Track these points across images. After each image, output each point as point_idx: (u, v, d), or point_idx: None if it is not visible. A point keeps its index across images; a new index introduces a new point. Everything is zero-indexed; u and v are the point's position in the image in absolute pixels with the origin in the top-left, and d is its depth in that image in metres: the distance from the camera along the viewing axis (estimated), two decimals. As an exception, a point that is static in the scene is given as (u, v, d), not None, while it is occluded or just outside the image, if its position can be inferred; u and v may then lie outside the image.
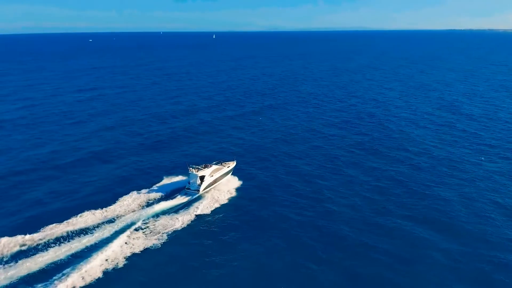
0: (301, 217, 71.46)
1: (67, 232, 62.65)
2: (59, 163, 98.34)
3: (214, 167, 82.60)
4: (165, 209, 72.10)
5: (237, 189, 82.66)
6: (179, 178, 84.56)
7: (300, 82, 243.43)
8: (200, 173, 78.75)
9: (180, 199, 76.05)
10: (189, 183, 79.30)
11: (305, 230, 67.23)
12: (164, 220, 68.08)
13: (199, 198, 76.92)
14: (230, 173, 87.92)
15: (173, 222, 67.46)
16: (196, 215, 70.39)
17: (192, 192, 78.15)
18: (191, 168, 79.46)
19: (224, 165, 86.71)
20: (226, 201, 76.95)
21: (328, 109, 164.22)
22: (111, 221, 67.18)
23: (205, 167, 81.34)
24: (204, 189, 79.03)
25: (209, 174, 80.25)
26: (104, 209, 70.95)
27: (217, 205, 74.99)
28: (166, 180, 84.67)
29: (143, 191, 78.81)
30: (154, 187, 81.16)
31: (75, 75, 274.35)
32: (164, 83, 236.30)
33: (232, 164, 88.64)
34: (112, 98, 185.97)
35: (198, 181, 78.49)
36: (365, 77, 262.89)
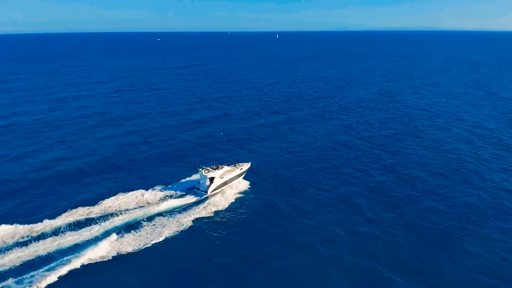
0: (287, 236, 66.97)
1: (72, 222, 66.07)
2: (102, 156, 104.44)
3: (225, 168, 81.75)
4: (170, 208, 72.77)
5: (243, 195, 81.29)
6: (194, 177, 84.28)
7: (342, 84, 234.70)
8: (210, 175, 78.53)
9: (188, 199, 76.55)
10: (199, 183, 79.89)
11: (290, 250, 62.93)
12: (164, 219, 69.03)
13: (207, 199, 77.15)
14: (243, 176, 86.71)
15: (172, 222, 68.10)
16: (196, 218, 70.57)
17: (200, 192, 78.49)
18: (200, 169, 79.58)
19: (237, 166, 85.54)
20: (226, 206, 75.93)
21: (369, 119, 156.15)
22: (115, 214, 69.00)
23: (216, 168, 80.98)
24: (212, 191, 78.80)
25: (219, 176, 79.81)
26: (110, 201, 73.57)
27: (218, 208, 74.48)
28: (183, 179, 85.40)
29: (157, 187, 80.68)
30: (168, 185, 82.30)
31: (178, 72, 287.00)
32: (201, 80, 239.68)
33: (246, 166, 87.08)
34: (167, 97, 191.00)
35: (207, 182, 78.47)
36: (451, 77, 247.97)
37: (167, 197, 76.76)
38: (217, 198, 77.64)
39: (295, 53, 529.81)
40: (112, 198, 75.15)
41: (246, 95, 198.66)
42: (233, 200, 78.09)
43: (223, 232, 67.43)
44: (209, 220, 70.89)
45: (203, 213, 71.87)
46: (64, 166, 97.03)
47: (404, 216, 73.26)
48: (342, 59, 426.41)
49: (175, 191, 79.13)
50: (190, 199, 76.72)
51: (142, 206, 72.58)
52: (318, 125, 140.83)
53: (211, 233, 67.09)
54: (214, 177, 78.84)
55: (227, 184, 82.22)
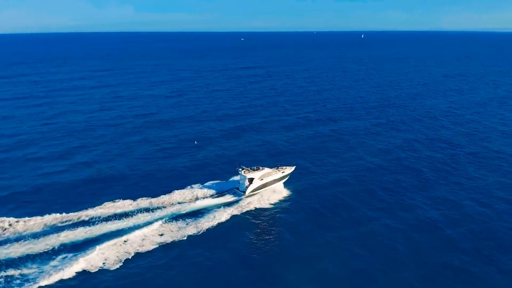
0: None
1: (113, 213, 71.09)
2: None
3: (266, 170, 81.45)
4: (208, 205, 75.20)
5: (282, 198, 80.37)
6: (237, 178, 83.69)
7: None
8: (249, 175, 79.06)
9: (226, 198, 78.28)
10: (239, 183, 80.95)
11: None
12: (201, 215, 71.49)
13: (244, 199, 77.93)
14: (285, 179, 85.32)
15: (207, 219, 70.31)
16: (230, 217, 71.53)
17: (239, 193, 79.59)
18: (240, 169, 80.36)
19: (280, 169, 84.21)
20: (261, 208, 75.93)
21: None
22: (158, 208, 73.34)
23: (257, 169, 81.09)
24: (251, 192, 79.43)
25: (259, 177, 79.93)
26: (155, 198, 77.00)
27: (252, 209, 74.87)
28: (229, 177, 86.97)
29: (199, 186, 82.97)
30: (210, 183, 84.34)
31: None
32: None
33: (289, 170, 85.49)
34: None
35: (247, 183, 79.15)
36: None
37: (207, 195, 78.95)
38: (255, 199, 78.32)
39: (380, 53, 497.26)
40: (159, 193, 78.67)
41: (310, 99, 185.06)
42: (270, 203, 77.94)
43: (250, 234, 67.79)
44: (242, 220, 71.63)
45: (236, 212, 73.04)
46: (117, 163, 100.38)
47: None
48: (431, 61, 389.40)
49: (216, 190, 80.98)
50: (228, 198, 78.37)
51: (183, 202, 75.84)
52: (380, 137, 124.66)
53: (241, 232, 67.91)
54: (253, 178, 79.23)
55: (267, 186, 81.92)
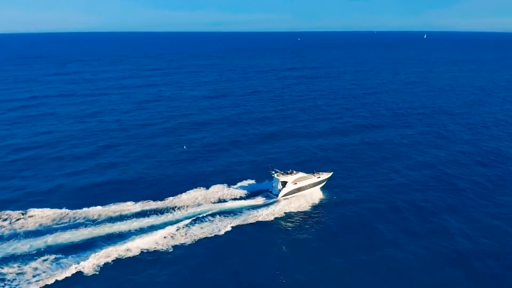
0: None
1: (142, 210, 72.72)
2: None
3: (300, 175, 79.74)
4: (239, 206, 75.09)
5: (315, 205, 77.78)
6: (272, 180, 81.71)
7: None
8: (282, 179, 77.96)
9: (258, 200, 77.68)
10: (272, 186, 79.73)
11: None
12: (231, 216, 71.45)
13: (276, 203, 76.69)
14: (320, 185, 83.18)
15: (236, 220, 69.99)
16: (259, 220, 70.75)
17: (272, 196, 78.55)
18: (273, 172, 79.39)
19: (315, 174, 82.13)
20: (293, 213, 74.14)
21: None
22: (188, 206, 74.28)
23: (291, 173, 79.51)
24: (283, 196, 78.11)
25: (292, 181, 78.48)
26: (187, 193, 79.10)
27: (283, 214, 73.26)
28: (263, 179, 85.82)
29: (229, 186, 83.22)
30: (242, 184, 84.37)
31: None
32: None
33: (325, 175, 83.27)
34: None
35: (279, 186, 78.24)
36: None
37: (239, 196, 79.37)
38: (287, 203, 76.70)
39: (444, 55, 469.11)
40: (190, 191, 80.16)
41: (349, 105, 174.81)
42: (302, 209, 75.92)
43: (279, 239, 66.39)
44: (271, 223, 70.45)
45: (265, 215, 72.04)
46: (148, 159, 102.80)
47: None
48: (496, 64, 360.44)
49: (248, 191, 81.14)
50: (260, 200, 77.78)
51: (215, 202, 76.52)
52: (422, 148, 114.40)
53: (269, 236, 66.91)
54: (286, 182, 77.94)
55: (301, 191, 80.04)
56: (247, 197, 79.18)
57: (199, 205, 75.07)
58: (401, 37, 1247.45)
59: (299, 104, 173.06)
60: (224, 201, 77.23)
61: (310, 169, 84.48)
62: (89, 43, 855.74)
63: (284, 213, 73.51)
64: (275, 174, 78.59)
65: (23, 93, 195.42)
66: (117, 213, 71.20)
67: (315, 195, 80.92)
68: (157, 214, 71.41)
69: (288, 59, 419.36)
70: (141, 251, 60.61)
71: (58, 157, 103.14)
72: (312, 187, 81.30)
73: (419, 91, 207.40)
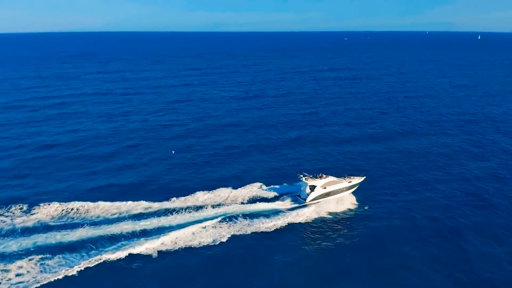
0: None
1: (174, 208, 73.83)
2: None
3: (329, 179, 77.01)
4: (265, 209, 73.79)
5: (344, 211, 75.02)
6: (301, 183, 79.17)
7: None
8: (311, 183, 75.59)
9: (285, 204, 76.16)
10: (300, 190, 77.89)
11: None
12: (256, 218, 70.45)
13: (304, 207, 74.58)
14: (351, 190, 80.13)
15: (260, 223, 69.01)
16: (287, 224, 69.10)
17: (300, 200, 76.45)
18: (301, 175, 76.55)
19: (346, 179, 79.17)
20: (319, 219, 71.74)
21: None
22: (216, 206, 74.38)
23: (320, 177, 76.77)
24: (311, 200, 75.73)
25: (322, 186, 75.96)
26: (213, 193, 79.28)
27: (309, 220, 71.01)
28: (292, 182, 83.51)
29: (257, 187, 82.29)
30: (270, 187, 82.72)
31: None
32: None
33: (357, 180, 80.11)
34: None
35: (308, 190, 76.02)
36: None
37: (266, 198, 78.33)
38: (315, 208, 74.45)
39: (498, 57, 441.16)
40: (223, 189, 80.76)
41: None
42: (330, 215, 73.35)
43: (303, 246, 64.19)
44: (295, 229, 68.48)
45: (291, 219, 70.29)
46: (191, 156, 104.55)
47: None
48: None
49: (276, 194, 79.78)
50: (287, 204, 76.17)
51: (242, 203, 75.99)
52: (465, 160, 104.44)
53: (292, 242, 64.94)
54: (315, 186, 75.60)
55: (331, 196, 77.51)
56: (275, 199, 77.97)
57: (224, 205, 74.67)
58: (454, 38, 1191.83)
59: (332, 107, 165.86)
60: (251, 202, 76.34)
61: (341, 173, 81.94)
62: (134, 42, 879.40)
63: (310, 218, 71.34)
64: (304, 178, 75.94)
65: (62, 90, 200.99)
66: (138, 211, 72.21)
67: (345, 201, 78.17)
68: (181, 213, 71.95)
69: (330, 59, 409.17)
70: (176, 245, 62.69)
71: (76, 156, 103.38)
72: (342, 192, 78.41)
73: (465, 96, 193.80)
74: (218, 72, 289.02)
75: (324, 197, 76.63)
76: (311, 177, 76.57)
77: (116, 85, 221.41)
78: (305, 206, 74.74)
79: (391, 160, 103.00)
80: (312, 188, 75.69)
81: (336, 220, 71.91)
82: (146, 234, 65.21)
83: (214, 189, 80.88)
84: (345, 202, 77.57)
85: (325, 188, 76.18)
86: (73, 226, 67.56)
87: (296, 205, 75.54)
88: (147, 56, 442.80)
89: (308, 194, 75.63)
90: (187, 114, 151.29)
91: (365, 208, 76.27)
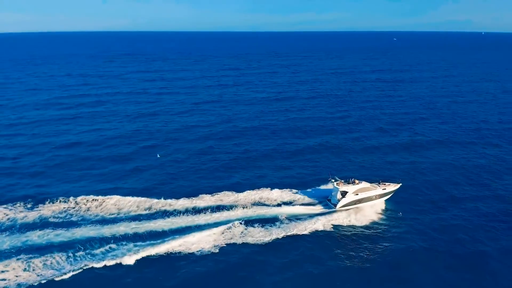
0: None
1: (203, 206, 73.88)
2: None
3: (362, 185, 73.88)
4: (293, 213, 71.72)
5: (377, 220, 71.51)
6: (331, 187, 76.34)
7: None
8: (343, 188, 72.84)
9: (314, 208, 73.80)
10: (331, 195, 75.10)
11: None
12: (281, 222, 68.98)
13: (333, 213, 72.23)
14: (385, 197, 76.41)
15: (285, 227, 67.33)
16: (312, 231, 66.75)
17: (330, 205, 74.06)
18: (332, 180, 74.06)
19: (381, 185, 75.50)
20: (349, 226, 68.79)
21: None
22: (238, 207, 73.47)
23: (352, 182, 73.84)
24: (342, 206, 73.02)
25: (354, 192, 72.96)
26: (242, 194, 78.54)
27: (337, 227, 68.35)
28: (323, 186, 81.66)
29: (292, 190, 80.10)
30: (299, 190, 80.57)
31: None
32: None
33: (392, 187, 76.22)
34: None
35: (339, 196, 73.32)
36: None
37: (294, 201, 76.16)
38: (345, 215, 71.67)
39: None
40: (244, 193, 79.13)
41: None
42: (361, 223, 69.90)
43: (324, 255, 61.38)
44: (322, 235, 66.13)
45: (320, 225, 68.14)
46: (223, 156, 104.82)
47: None
48: None
49: (305, 198, 77.32)
50: (317, 209, 73.93)
51: (269, 205, 74.53)
52: None
53: (316, 250, 62.43)
54: (346, 192, 72.75)
55: (363, 203, 74.21)
56: (304, 203, 75.77)
57: (251, 208, 73.51)
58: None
59: (367, 112, 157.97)
60: (279, 205, 74.82)
61: (375, 179, 78.43)
62: (183, 42, 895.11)
63: (339, 226, 68.82)
64: (335, 183, 73.36)
65: (100, 89, 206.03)
66: (166, 208, 73.13)
67: (378, 208, 74.90)
68: (204, 213, 71.53)
69: (374, 60, 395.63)
70: (197, 248, 61.83)
71: (92, 156, 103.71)
72: (375, 199, 75.12)
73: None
74: (255, 72, 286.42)
75: (355, 204, 73.73)
76: (343, 182, 73.78)
77: (152, 84, 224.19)
78: (334, 211, 72.69)
79: (426, 172, 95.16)
80: (344, 194, 72.87)
81: (364, 229, 68.65)
82: (175, 232, 65.42)
83: (241, 191, 79.75)
84: (377, 209, 74.66)
85: (357, 194, 73.28)
86: (70, 224, 68.08)
87: (325, 210, 73.31)
88: (191, 56, 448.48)
89: (339, 200, 72.97)
90: (214, 116, 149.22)
91: (399, 214, 73.25)
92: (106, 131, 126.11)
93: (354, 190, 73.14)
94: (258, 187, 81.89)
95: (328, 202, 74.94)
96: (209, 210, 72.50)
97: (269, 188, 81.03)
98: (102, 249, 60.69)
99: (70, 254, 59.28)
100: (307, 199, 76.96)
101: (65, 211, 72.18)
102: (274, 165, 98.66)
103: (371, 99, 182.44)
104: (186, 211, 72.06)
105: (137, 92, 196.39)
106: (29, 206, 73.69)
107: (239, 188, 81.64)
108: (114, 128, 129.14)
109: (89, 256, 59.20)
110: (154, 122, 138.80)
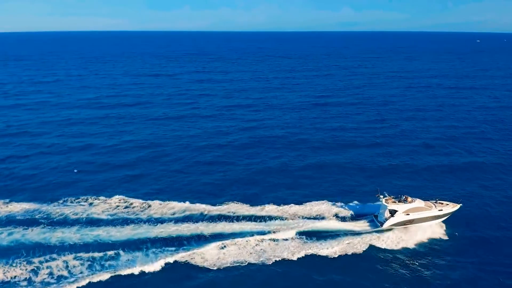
0: None
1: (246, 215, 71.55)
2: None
3: (416, 204, 66.45)
4: (335, 229, 66.47)
5: (430, 246, 63.47)
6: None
7: None
8: (392, 206, 65.86)
9: (358, 225, 67.77)
10: (379, 212, 68.28)
11: None
12: (323, 240, 63.90)
13: (380, 232, 65.75)
14: (442, 219, 68.48)
15: (326, 244, 62.67)
16: (353, 251, 61.20)
17: (376, 223, 67.23)
18: (381, 196, 67.12)
19: (437, 204, 67.86)
20: (398, 250, 61.94)
21: None
22: (278, 218, 70.13)
23: (404, 200, 66.69)
24: (389, 226, 65.84)
25: (404, 211, 65.66)
26: (286, 206, 74.38)
27: (384, 248, 62.01)
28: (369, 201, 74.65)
29: (338, 204, 74.92)
30: (352, 203, 75.22)
31: None
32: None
33: (450, 208, 67.85)
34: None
35: (387, 214, 66.32)
36: None
37: (338, 216, 70.94)
38: (392, 236, 64.87)
39: None
40: (297, 205, 74.85)
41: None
42: (412, 247, 62.96)
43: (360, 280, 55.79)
44: (362, 258, 60.28)
45: (363, 245, 62.23)
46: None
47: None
48: None
49: (350, 212, 71.60)
50: (361, 225, 67.75)
51: (310, 218, 69.85)
52: None
53: (353, 274, 56.94)
54: (396, 211, 65.70)
55: (414, 223, 66.68)
56: (347, 219, 70.37)
57: (292, 219, 69.78)
58: None
59: (412, 122, 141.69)
60: (320, 219, 69.76)
61: (431, 196, 71.46)
62: (249, 41, 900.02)
63: (382, 248, 62.34)
64: (383, 200, 66.50)
65: (149, 89, 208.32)
66: (193, 212, 72.38)
67: (432, 231, 66.38)
68: (241, 221, 69.74)
69: (445, 62, 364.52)
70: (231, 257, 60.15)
71: (94, 161, 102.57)
72: (429, 220, 67.12)
73: None
74: (308, 74, 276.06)
75: (405, 224, 66.20)
76: (392, 199, 66.85)
77: (196, 86, 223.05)
78: (381, 231, 65.85)
79: (489, 192, 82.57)
80: (392, 212, 65.68)
81: (414, 256, 61.50)
82: (211, 238, 64.71)
83: (281, 204, 75.52)
84: (432, 232, 66.75)
85: (408, 214, 65.60)
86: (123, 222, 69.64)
87: (371, 228, 66.70)
88: (250, 56, 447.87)
89: (386, 219, 65.71)
90: (239, 121, 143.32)
91: (456, 238, 65.59)
92: (126, 134, 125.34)
93: (405, 209, 65.58)
94: (299, 199, 78.23)
95: (374, 218, 68.01)
96: (245, 219, 70.71)
97: (312, 201, 76.56)
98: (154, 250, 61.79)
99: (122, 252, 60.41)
100: (351, 214, 71.40)
101: (124, 209, 74.00)
102: (316, 176, 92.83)
103: (421, 108, 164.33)
104: (225, 218, 70.75)
105: (179, 94, 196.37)
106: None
107: (281, 201, 77.94)
108: (134, 132, 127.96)
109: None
110: (175, 126, 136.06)
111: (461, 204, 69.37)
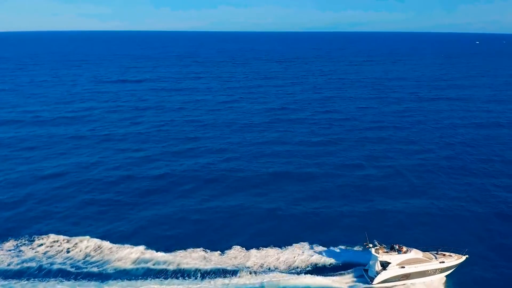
0: None
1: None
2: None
3: (412, 254, 55.93)
4: (314, 286, 54.28)
5: None
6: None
7: None
8: (383, 257, 55.33)
9: (343, 280, 55.77)
10: (369, 264, 57.31)
11: None
12: None
13: None
14: (444, 273, 57.70)
15: None
16: None
17: (366, 277, 56.36)
18: (370, 244, 56.71)
19: (439, 256, 57.59)
20: None
21: None
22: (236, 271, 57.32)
23: (399, 249, 56.29)
24: (380, 282, 54.99)
25: (398, 263, 55.31)
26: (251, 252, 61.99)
27: None
28: (357, 247, 63.14)
29: (315, 247, 62.99)
30: (325, 249, 62.57)
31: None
32: None
33: (453, 261, 57.42)
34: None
35: (377, 267, 55.90)
36: None
37: (317, 267, 58.71)
38: None
39: None
40: (259, 250, 62.14)
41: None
42: None
43: None
44: None
45: None
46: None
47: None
48: None
49: (332, 262, 59.65)
50: (346, 280, 55.93)
51: (282, 271, 57.10)
52: None
53: None
54: (389, 263, 55.26)
55: (412, 279, 56.16)
56: (330, 270, 58.18)
57: (257, 273, 56.70)
58: None
59: (408, 147, 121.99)
60: (295, 272, 57.24)
61: (432, 246, 59.62)
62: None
63: None
64: (373, 249, 55.94)
65: (89, 102, 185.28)
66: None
67: (436, 284, 56.87)
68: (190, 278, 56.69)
69: (431, 67, 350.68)
70: None
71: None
72: (429, 275, 56.73)
73: None
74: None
75: (401, 279, 55.84)
76: (384, 248, 56.33)
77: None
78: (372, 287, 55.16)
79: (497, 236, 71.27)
80: (384, 265, 55.48)
81: None
82: None
83: (238, 245, 63.91)
84: (435, 285, 57.18)
85: (403, 267, 55.45)
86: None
87: (358, 284, 55.76)
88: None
89: (377, 273, 55.27)
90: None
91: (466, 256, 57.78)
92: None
93: (399, 261, 55.39)
94: (267, 244, 64.14)
95: (364, 272, 57.30)
96: (197, 273, 57.68)
97: (280, 247, 62.98)
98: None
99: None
100: (334, 265, 59.59)
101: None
102: (282, 215, 76.71)
103: (421, 129, 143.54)
104: (176, 272, 57.97)
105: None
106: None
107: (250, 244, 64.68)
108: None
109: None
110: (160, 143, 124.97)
111: (466, 256, 58.91)
